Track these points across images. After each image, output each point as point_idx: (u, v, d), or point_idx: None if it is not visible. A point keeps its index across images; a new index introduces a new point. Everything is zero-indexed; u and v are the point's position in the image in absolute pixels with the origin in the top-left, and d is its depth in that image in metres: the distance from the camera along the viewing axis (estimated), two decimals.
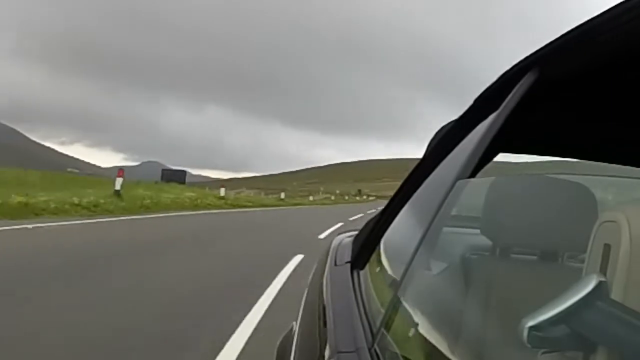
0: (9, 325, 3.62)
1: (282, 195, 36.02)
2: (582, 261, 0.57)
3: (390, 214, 1.36)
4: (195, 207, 18.21)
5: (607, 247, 0.51)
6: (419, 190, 1.22)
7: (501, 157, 1.20)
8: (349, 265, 1.48)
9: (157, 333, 3.75)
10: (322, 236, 11.20)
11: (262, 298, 5.04)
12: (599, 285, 0.49)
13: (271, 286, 5.60)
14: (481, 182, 0.98)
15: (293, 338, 1.45)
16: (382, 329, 0.88)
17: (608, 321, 0.47)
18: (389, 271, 1.20)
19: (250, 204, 25.07)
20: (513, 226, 0.91)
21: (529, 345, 0.52)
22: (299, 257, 7.61)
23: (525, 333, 0.51)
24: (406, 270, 0.95)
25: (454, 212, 0.93)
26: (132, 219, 12.17)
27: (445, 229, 0.95)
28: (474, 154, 0.91)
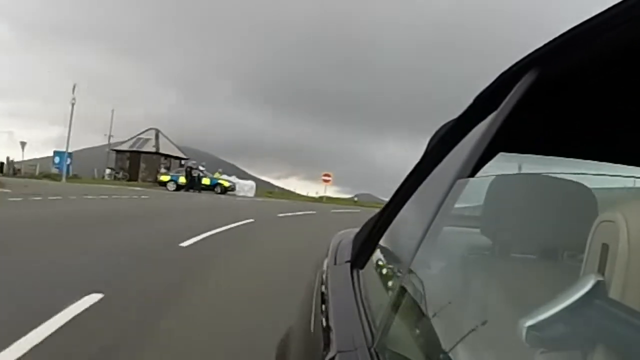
0: None
1: None
2: (582, 261, 0.58)
3: (390, 213, 1.36)
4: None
5: (605, 247, 0.51)
6: (418, 190, 1.22)
7: (501, 157, 1.20)
8: (348, 264, 1.48)
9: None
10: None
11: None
12: (597, 284, 0.49)
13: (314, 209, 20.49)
14: (481, 182, 0.98)
15: (293, 338, 1.45)
16: (382, 329, 0.88)
17: (606, 320, 0.48)
18: (389, 270, 1.20)
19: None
20: (512, 226, 0.91)
21: (527, 345, 0.52)
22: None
23: (524, 332, 0.51)
24: (406, 269, 0.95)
25: (453, 211, 0.93)
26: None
27: (445, 229, 0.95)
28: (473, 153, 0.91)
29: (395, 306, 0.91)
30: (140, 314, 3.88)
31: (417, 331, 0.85)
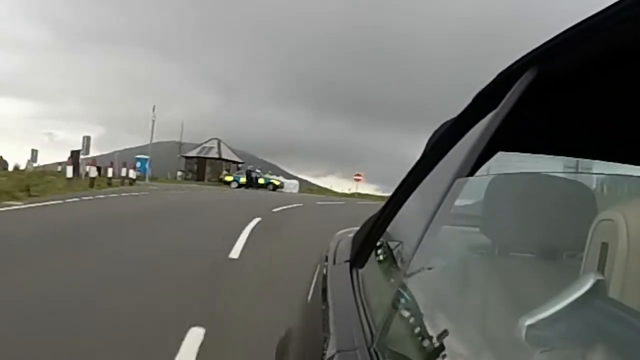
0: None
1: None
2: (581, 260, 0.57)
3: (389, 212, 1.36)
4: None
5: (604, 246, 0.51)
6: (417, 189, 1.22)
7: (500, 155, 1.20)
8: (348, 264, 1.48)
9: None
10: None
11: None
12: (597, 283, 0.49)
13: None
14: (480, 181, 0.98)
15: (292, 338, 1.45)
16: (382, 328, 0.88)
17: (606, 319, 0.47)
18: (389, 270, 1.20)
19: None
20: (512, 224, 0.91)
21: (527, 344, 0.52)
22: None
23: (523, 331, 0.51)
24: (405, 269, 0.95)
25: (453, 210, 0.93)
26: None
27: (445, 228, 0.95)
28: (473, 152, 0.91)
29: (395, 306, 0.90)
30: (275, 224, 11.59)
31: (417, 331, 0.85)
